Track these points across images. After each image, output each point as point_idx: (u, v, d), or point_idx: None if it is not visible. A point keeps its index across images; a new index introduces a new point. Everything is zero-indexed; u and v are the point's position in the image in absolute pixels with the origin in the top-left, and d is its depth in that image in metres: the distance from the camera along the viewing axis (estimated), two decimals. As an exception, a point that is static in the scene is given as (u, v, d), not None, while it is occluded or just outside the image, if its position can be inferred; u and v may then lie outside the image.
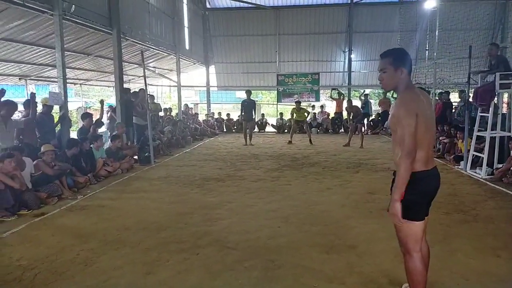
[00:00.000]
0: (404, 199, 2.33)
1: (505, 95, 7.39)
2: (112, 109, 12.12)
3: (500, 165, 6.75)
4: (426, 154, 2.36)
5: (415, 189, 2.33)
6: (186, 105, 16.61)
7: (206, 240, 3.99)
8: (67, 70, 8.62)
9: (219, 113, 17.63)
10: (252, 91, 13.33)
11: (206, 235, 4.14)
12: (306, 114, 13.19)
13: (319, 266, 3.38)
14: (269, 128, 16.96)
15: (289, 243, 3.91)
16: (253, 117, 12.46)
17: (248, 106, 12.11)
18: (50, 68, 11.78)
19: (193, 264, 3.45)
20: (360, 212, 4.93)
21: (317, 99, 18.32)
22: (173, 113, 14.90)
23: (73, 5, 7.64)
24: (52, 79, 13.06)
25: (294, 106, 13.16)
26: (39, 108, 7.08)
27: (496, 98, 7.15)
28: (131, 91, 10.32)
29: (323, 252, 3.66)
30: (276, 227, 4.37)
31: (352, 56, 18.19)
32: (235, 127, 16.62)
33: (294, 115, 12.92)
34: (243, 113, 12.33)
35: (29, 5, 6.66)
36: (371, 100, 17.24)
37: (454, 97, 13.65)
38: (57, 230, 4.38)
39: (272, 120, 17.78)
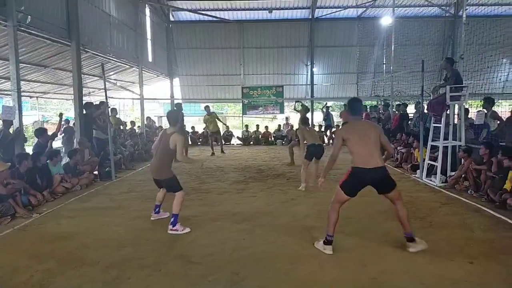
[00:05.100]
0: (345, 180, 3.88)
1: (456, 107, 7.83)
2: (67, 123, 11.72)
3: (453, 173, 7.12)
4: (359, 158, 3.78)
5: (350, 176, 3.85)
6: (148, 118, 16.33)
7: (170, 255, 3.92)
8: (22, 82, 8.27)
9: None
10: (218, 104, 13.41)
11: (169, 250, 4.06)
12: (219, 123, 13.19)
13: (283, 276, 3.41)
14: (235, 140, 16.97)
15: (253, 254, 3.92)
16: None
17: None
18: (3, 80, 11.25)
19: (155, 281, 3.37)
20: (323, 221, 4.95)
21: (282, 111, 18.61)
22: (136, 126, 14.60)
23: (29, 16, 7.37)
24: (6, 92, 12.46)
25: (207, 114, 12.76)
26: None
27: (448, 110, 7.56)
28: (94, 104, 10.03)
29: (287, 263, 3.69)
30: (241, 239, 4.37)
31: (314, 69, 18.68)
32: (200, 139, 16.51)
33: (207, 124, 12.81)
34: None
35: (-20, 15, 6.37)
36: (332, 113, 17.70)
37: (412, 109, 14.28)
38: (10, 250, 4.15)
39: (238, 133, 17.83)
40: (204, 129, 14.64)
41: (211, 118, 12.65)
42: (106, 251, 4.05)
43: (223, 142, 13.98)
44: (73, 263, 3.74)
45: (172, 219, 4.67)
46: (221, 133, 13.89)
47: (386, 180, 3.88)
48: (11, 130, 6.93)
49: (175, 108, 13.14)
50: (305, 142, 7.08)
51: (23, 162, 6.05)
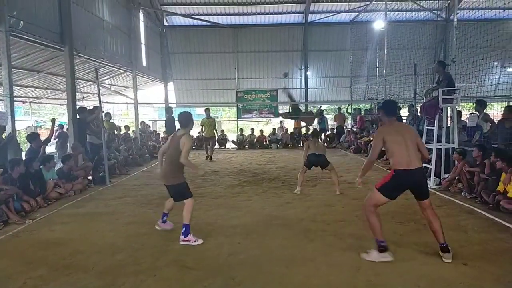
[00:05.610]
0: (386, 183, 3.76)
1: (449, 110, 7.90)
2: (61, 128, 11.66)
3: (447, 175, 7.17)
4: (401, 160, 3.69)
5: (392, 179, 3.75)
6: (143, 122, 16.29)
7: (165, 260, 3.90)
8: (15, 87, 8.24)
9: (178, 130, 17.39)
10: (212, 108, 13.34)
11: (164, 255, 4.04)
12: (214, 127, 12.77)
13: (278, 280, 3.41)
14: (229, 144, 16.95)
15: (249, 258, 3.91)
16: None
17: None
18: (-4, 85, 11.16)
19: (150, 286, 3.35)
20: (318, 224, 5.03)
21: (276, 115, 18.65)
22: (130, 131, 14.55)
23: (21, 21, 7.34)
24: (-2, 98, 12.37)
25: (206, 117, 12.52)
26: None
27: (441, 112, 7.62)
28: (87, 109, 9.98)
29: (283, 266, 3.68)
30: (236, 244, 4.36)
31: (308, 73, 18.77)
32: (195, 143, 16.46)
33: (204, 128, 12.54)
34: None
35: (-28, 20, 6.33)
36: (327, 116, 17.77)
37: (404, 112, 14.39)
38: (3, 257, 4.09)
39: (233, 136, 17.82)
40: (199, 132, 14.52)
41: (208, 122, 12.44)
42: (100, 257, 4.02)
43: (215, 147, 13.72)
44: (66, 270, 3.71)
45: (183, 229, 4.38)
46: (216, 139, 13.63)
47: (425, 183, 3.89)
48: (3, 136, 6.88)
49: (167, 114, 13.02)
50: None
51: (15, 167, 5.98)
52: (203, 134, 12.88)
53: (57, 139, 11.25)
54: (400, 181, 3.71)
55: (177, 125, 4.95)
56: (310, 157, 7.11)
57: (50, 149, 11.36)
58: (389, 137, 3.77)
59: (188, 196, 4.50)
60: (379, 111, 4.01)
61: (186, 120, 4.62)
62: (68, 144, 9.62)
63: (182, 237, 4.38)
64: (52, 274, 3.60)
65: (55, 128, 11.44)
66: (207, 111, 12.70)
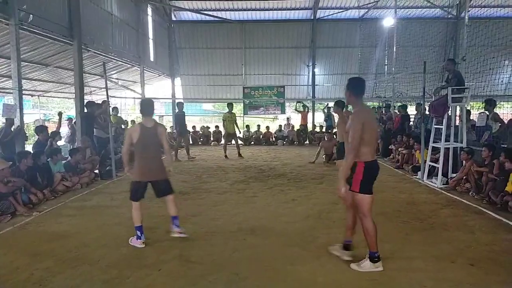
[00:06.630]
0: (362, 180, 3.41)
1: (457, 108, 7.81)
2: (71, 121, 11.77)
3: (454, 175, 7.10)
4: (370, 149, 3.46)
5: (365, 173, 3.42)
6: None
7: (170, 255, 3.91)
8: (24, 81, 8.29)
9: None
10: (218, 104, 13.19)
11: (169, 249, 4.06)
12: (236, 122, 12.17)
13: (283, 277, 3.40)
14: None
15: (254, 255, 3.91)
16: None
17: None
18: (5, 79, 11.27)
19: (155, 280, 3.36)
20: (324, 222, 5.01)
21: (283, 112, 18.61)
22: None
23: (31, 15, 7.37)
24: (7, 90, 12.49)
25: (228, 112, 11.89)
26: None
27: (449, 111, 7.55)
28: (95, 103, 10.04)
29: (288, 264, 3.68)
30: (242, 240, 4.36)
31: (316, 70, 18.68)
32: (201, 139, 16.50)
33: (226, 123, 11.92)
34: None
35: (-18, 13, 6.38)
36: (333, 113, 17.66)
37: (412, 110, 14.28)
38: (10, 249, 4.14)
39: (239, 133, 17.81)
40: (204, 127, 14.26)
41: (231, 117, 11.88)
42: (106, 250, 4.05)
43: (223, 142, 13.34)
44: (72, 262, 3.74)
45: (176, 221, 4.39)
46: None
47: None
48: (12, 128, 6.95)
49: (176, 110, 12.72)
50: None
51: (22, 160, 6.05)
52: (226, 130, 12.09)
53: (69, 133, 11.38)
54: (372, 174, 3.47)
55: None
56: (341, 145, 6.25)
57: (62, 142, 11.47)
58: (367, 124, 3.37)
59: (173, 190, 4.48)
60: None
61: (150, 106, 4.42)
62: (76, 138, 9.68)
63: (178, 229, 4.36)
64: (58, 266, 3.64)
65: (66, 120, 11.58)
66: (230, 105, 11.97)
